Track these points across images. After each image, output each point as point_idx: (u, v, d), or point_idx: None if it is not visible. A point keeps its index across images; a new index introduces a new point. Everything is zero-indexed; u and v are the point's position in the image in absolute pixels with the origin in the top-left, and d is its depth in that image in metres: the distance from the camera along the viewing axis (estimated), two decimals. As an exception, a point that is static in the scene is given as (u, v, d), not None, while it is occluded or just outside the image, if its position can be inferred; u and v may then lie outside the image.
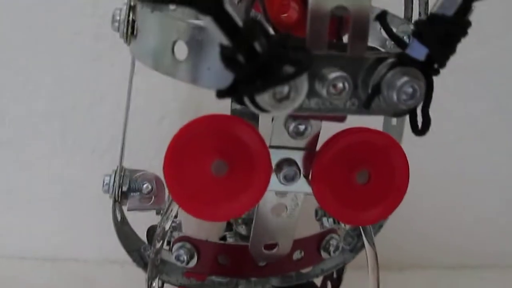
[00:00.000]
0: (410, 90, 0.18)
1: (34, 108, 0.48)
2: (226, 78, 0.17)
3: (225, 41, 0.16)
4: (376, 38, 0.29)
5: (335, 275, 0.37)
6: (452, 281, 0.53)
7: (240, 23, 0.15)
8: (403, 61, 0.18)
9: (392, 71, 0.18)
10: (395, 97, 0.18)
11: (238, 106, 0.32)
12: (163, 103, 0.49)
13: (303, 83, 0.17)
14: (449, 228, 0.55)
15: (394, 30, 0.28)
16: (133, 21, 0.24)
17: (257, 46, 0.16)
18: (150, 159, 0.50)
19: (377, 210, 0.23)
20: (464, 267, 0.55)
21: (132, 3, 0.24)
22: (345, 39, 0.21)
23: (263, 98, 0.17)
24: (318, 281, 0.36)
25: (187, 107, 0.48)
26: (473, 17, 0.18)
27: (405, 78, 0.18)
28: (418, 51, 0.17)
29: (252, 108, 0.17)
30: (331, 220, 0.33)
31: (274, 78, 0.16)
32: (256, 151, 0.22)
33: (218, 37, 0.16)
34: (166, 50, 0.20)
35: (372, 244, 0.32)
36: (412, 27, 0.28)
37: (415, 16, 0.29)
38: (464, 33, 0.17)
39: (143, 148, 0.49)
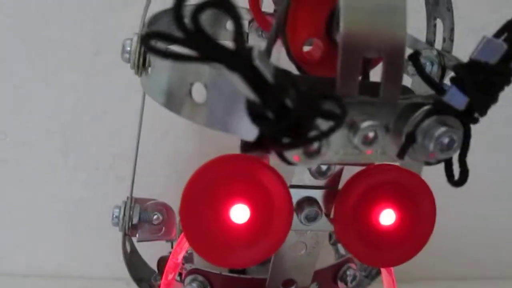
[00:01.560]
0: (447, 140, 0.17)
1: (35, 125, 0.48)
2: (246, 123, 0.16)
3: (252, 95, 0.14)
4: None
5: None
6: None
7: (269, 77, 0.14)
8: (441, 108, 0.17)
9: (428, 120, 0.17)
10: (431, 147, 0.17)
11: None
12: (166, 118, 0.48)
13: (335, 136, 0.16)
14: (460, 239, 0.55)
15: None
16: (145, 52, 0.23)
17: (287, 101, 0.14)
18: (153, 176, 0.49)
19: (399, 252, 0.22)
20: (475, 278, 0.54)
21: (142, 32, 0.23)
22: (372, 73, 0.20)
23: (292, 153, 0.16)
24: None
25: (191, 123, 0.47)
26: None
27: (443, 128, 0.16)
28: (458, 100, 0.16)
29: (279, 160, 0.16)
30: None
31: (305, 135, 0.15)
32: (277, 194, 0.20)
33: (244, 91, 0.14)
34: (182, 91, 0.19)
35: (389, 273, 0.31)
36: (435, 52, 0.26)
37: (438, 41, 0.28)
38: (508, 82, 0.16)
39: (146, 164, 0.48)
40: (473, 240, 0.55)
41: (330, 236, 0.34)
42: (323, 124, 0.15)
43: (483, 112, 0.16)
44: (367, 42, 0.16)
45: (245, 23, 0.33)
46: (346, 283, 0.31)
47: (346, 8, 0.16)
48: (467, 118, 0.17)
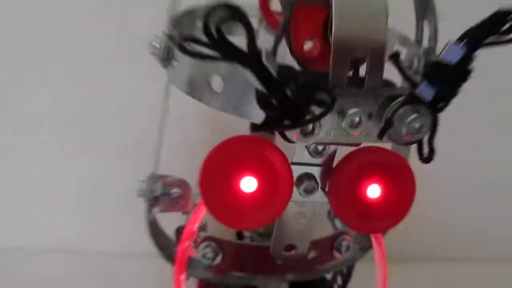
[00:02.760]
0: (417, 125, 0.20)
1: (61, 113, 0.51)
2: (255, 109, 0.20)
3: (260, 87, 0.18)
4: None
5: (345, 270, 0.40)
6: (454, 273, 0.55)
7: (274, 73, 0.18)
8: (414, 99, 0.20)
9: (403, 108, 0.20)
10: (404, 130, 0.20)
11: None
12: (179, 106, 0.51)
13: (326, 120, 0.20)
14: (449, 221, 0.57)
15: (405, 51, 0.30)
16: (170, 47, 0.26)
17: (288, 92, 0.18)
18: (168, 160, 0.52)
19: (385, 222, 0.26)
20: (467, 259, 0.56)
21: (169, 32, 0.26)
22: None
23: (292, 133, 0.20)
24: (328, 274, 0.39)
25: (204, 111, 0.50)
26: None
27: (414, 115, 0.20)
28: (427, 92, 0.20)
29: (281, 138, 0.20)
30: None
31: (302, 118, 0.19)
32: (280, 168, 0.24)
33: (255, 83, 0.18)
34: (203, 81, 0.23)
35: (380, 245, 0.35)
36: (422, 50, 0.30)
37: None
38: (465, 79, 0.20)
39: (161, 149, 0.51)
40: (468, 222, 0.57)
41: (329, 213, 0.38)
42: (317, 110, 0.19)
43: (447, 103, 0.20)
44: (354, 44, 0.20)
45: (255, 20, 0.36)
46: (340, 252, 0.35)
47: (337, 16, 0.20)
48: (435, 107, 0.20)
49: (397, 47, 0.33)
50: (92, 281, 0.50)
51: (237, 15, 0.16)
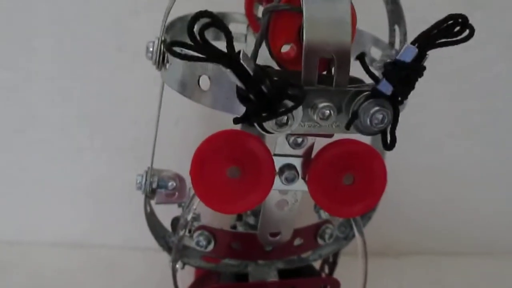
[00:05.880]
0: (380, 116, 0.23)
1: (66, 112, 0.52)
2: (239, 105, 0.23)
3: (240, 84, 0.21)
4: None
5: (331, 259, 0.41)
6: (446, 267, 0.56)
7: (251, 72, 0.21)
8: (376, 94, 0.23)
9: (367, 102, 0.23)
10: (368, 121, 0.23)
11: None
12: (178, 107, 0.52)
13: (298, 113, 0.22)
14: (444, 216, 0.58)
15: (380, 53, 0.33)
16: (164, 52, 0.29)
17: (264, 88, 0.21)
18: (167, 157, 0.55)
19: (359, 206, 0.28)
20: (459, 254, 0.58)
21: (163, 38, 0.29)
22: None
23: (268, 124, 0.22)
24: (317, 264, 0.41)
25: (201, 111, 0.52)
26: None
27: (376, 108, 0.23)
28: (386, 88, 0.23)
29: (259, 130, 0.23)
30: (326, 212, 0.39)
31: (276, 111, 0.21)
32: (263, 159, 0.26)
33: (235, 81, 0.21)
34: (193, 81, 0.26)
35: (361, 233, 0.37)
36: (394, 51, 0.33)
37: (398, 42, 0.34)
38: (420, 75, 0.22)
39: (161, 147, 0.53)
40: (458, 216, 0.58)
41: (315, 205, 0.41)
42: (289, 104, 0.22)
43: (404, 97, 0.23)
44: (322, 47, 0.23)
45: (244, 26, 0.39)
46: (324, 240, 0.37)
47: (307, 22, 0.23)
48: (394, 101, 0.23)
49: (372, 48, 0.36)
50: (96, 274, 0.52)
51: (217, 22, 0.19)
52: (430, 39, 0.22)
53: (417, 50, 0.22)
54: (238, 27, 0.39)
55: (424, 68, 0.22)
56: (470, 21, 0.22)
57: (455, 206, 0.59)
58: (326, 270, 0.42)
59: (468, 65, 0.53)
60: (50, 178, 0.55)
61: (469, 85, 0.54)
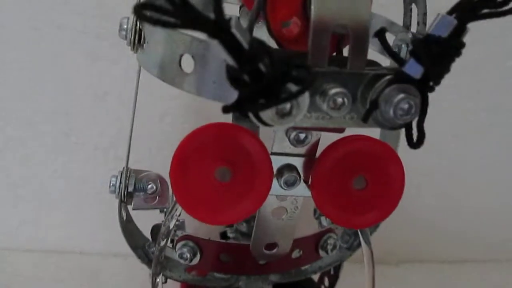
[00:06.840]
0: (406, 106, 0.19)
1: (38, 106, 0.49)
2: (231, 91, 0.18)
3: (231, 61, 0.17)
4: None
5: (332, 272, 0.39)
6: (449, 276, 0.54)
7: (245, 45, 0.16)
8: (400, 78, 0.19)
9: (389, 88, 0.19)
10: (391, 112, 0.19)
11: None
12: (164, 101, 0.50)
13: (304, 100, 0.18)
14: (447, 222, 0.56)
15: (394, 37, 0.29)
16: (140, 30, 0.25)
17: (261, 67, 0.17)
18: (152, 156, 0.51)
19: (372, 215, 0.25)
20: (462, 261, 0.56)
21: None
22: (345, 51, 0.22)
23: (267, 114, 0.18)
24: (315, 276, 0.38)
25: (189, 105, 0.50)
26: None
27: (401, 95, 0.19)
28: (415, 70, 0.18)
29: (255, 121, 0.18)
30: (328, 219, 0.35)
31: (277, 97, 0.17)
32: (258, 158, 0.23)
33: (224, 57, 0.17)
34: (173, 62, 0.21)
35: (368, 243, 0.33)
36: (410, 35, 0.29)
37: (414, 24, 0.30)
38: (458, 54, 0.18)
39: (145, 145, 0.50)
40: (460, 223, 0.56)
41: (315, 211, 0.37)
42: (294, 88, 0.17)
43: (437, 81, 0.19)
44: (335, 19, 0.18)
45: (236, 8, 0.35)
46: (326, 252, 0.33)
47: (316, -11, 0.18)
48: (424, 86, 0.19)
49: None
50: (75, 282, 0.50)
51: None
52: (472, 9, 0.17)
53: (456, 21, 0.17)
54: (231, 9, 0.35)
55: (464, 45, 0.18)
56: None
57: (460, 211, 0.57)
58: (326, 283, 0.39)
59: (475, 60, 0.51)
60: (22, 179, 0.52)
61: (476, 83, 0.52)
